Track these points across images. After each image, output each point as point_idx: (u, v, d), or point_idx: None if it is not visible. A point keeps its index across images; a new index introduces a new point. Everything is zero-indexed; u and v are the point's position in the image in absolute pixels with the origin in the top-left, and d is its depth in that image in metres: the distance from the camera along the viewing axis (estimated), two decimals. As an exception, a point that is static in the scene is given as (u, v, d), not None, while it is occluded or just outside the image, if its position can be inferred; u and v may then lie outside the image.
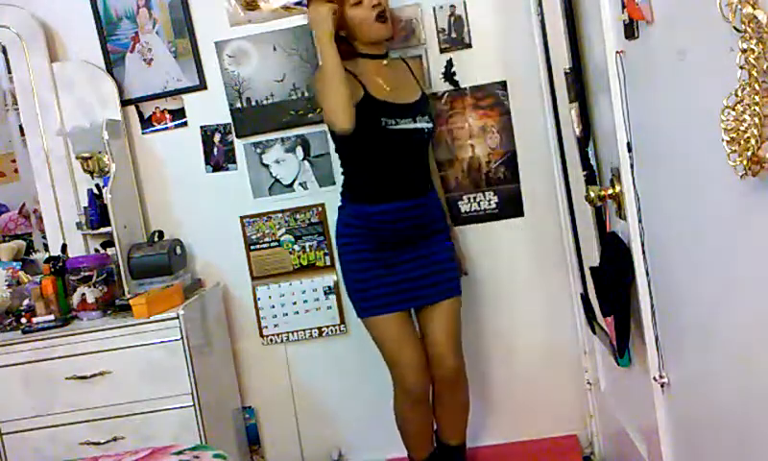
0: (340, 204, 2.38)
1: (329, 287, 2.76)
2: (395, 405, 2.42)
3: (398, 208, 2.25)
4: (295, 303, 2.78)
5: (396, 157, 2.26)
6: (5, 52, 2.73)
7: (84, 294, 2.51)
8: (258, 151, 2.73)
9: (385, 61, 2.33)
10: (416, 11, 2.59)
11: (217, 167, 2.77)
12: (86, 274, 2.53)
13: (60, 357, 2.41)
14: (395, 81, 2.31)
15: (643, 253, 1.59)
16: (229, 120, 2.73)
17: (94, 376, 2.40)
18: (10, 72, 2.75)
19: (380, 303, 2.29)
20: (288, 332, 2.80)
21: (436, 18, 2.60)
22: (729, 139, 0.93)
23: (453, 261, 2.39)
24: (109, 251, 2.67)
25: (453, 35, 2.60)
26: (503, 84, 2.61)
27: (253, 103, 2.70)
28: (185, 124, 2.77)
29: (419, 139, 2.28)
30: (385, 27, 2.26)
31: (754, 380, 1.11)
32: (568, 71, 2.00)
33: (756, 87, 0.88)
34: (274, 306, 2.79)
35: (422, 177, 2.34)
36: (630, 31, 1.42)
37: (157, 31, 2.72)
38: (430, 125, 2.30)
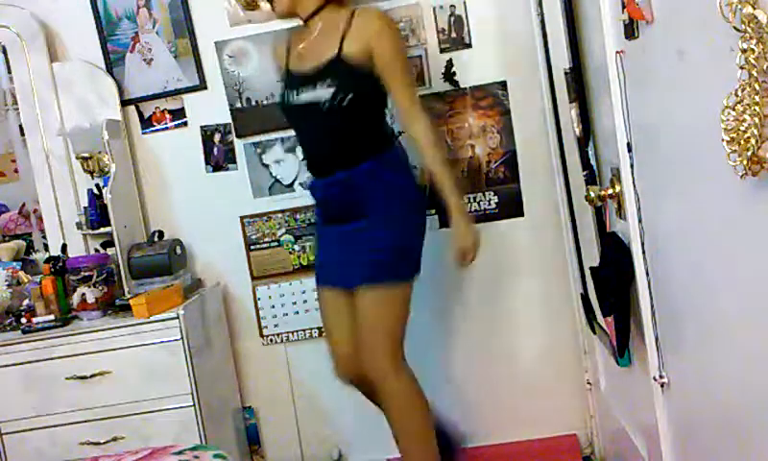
0: None
1: (329, 287, 2.75)
2: None
3: (322, 186, 2.13)
4: (295, 303, 2.78)
5: (302, 132, 2.14)
6: (5, 52, 2.73)
7: (84, 294, 2.51)
8: (258, 151, 2.73)
9: (318, 23, 2.08)
10: (416, 10, 2.59)
11: (217, 167, 2.77)
12: (86, 274, 2.53)
13: (59, 357, 2.41)
14: (311, 43, 2.08)
15: (643, 253, 1.59)
16: (229, 120, 2.73)
17: (94, 376, 2.40)
18: (10, 72, 2.75)
19: (318, 274, 2.26)
20: (288, 332, 2.80)
21: (436, 18, 2.60)
22: (729, 139, 0.93)
23: (373, 248, 2.07)
24: (109, 251, 2.67)
25: (453, 35, 2.60)
26: (503, 84, 2.61)
27: (253, 103, 2.70)
28: (185, 124, 2.77)
29: (317, 111, 2.00)
30: (276, 6, 2.09)
31: (754, 380, 1.11)
32: (568, 71, 2.00)
33: (756, 87, 0.88)
34: (274, 306, 2.79)
35: (336, 152, 2.06)
36: (630, 31, 1.42)
37: (157, 31, 2.72)
38: (328, 92, 1.97)
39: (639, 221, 1.58)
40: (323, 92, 1.98)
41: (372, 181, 2.06)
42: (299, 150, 2.71)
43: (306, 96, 2.01)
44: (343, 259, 2.13)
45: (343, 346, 2.22)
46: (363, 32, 2.02)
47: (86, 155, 2.68)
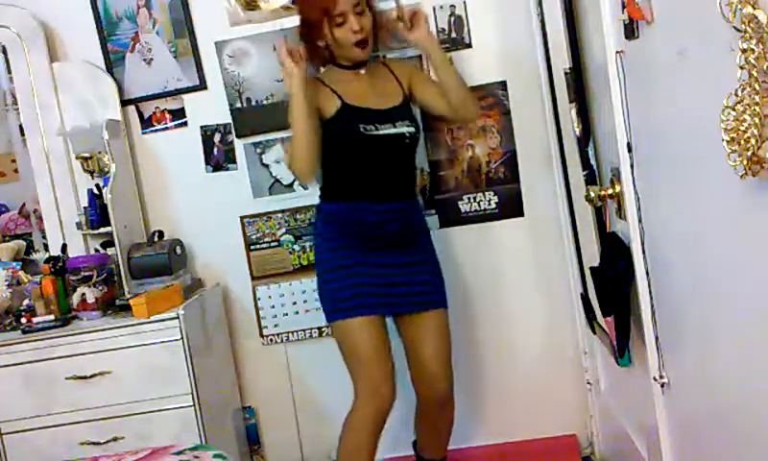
0: (319, 201, 2.32)
1: (329, 287, 2.75)
2: (350, 424, 2.17)
3: (380, 210, 2.19)
4: (295, 303, 2.78)
5: (377, 161, 2.21)
6: (5, 52, 2.73)
7: (84, 294, 2.51)
8: (258, 151, 2.73)
9: (363, 71, 2.27)
10: (416, 11, 2.59)
11: (217, 167, 2.77)
12: (86, 274, 2.53)
13: (60, 357, 2.41)
14: (373, 87, 2.26)
15: (643, 253, 1.59)
16: (229, 120, 2.73)
17: (94, 376, 2.40)
18: (10, 72, 2.75)
19: (354, 303, 2.16)
20: (288, 332, 2.80)
21: (436, 18, 2.59)
22: (729, 139, 0.93)
23: (439, 271, 2.32)
24: (109, 251, 2.67)
25: (453, 35, 2.60)
26: (503, 84, 2.61)
27: (253, 103, 2.70)
28: (185, 124, 2.77)
29: (400, 144, 2.22)
30: (363, 52, 2.21)
31: (754, 380, 1.11)
32: (568, 71, 2.00)
33: (756, 87, 0.88)
34: (274, 306, 2.79)
35: (406, 182, 2.29)
36: (630, 31, 1.42)
37: (157, 31, 2.72)
38: (412, 129, 2.23)
39: (639, 221, 1.58)
40: (405, 128, 2.21)
41: (420, 214, 2.39)
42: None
43: (389, 130, 2.19)
44: (407, 284, 2.22)
45: (391, 373, 2.19)
46: (405, 76, 2.32)
47: (86, 155, 2.68)
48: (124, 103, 2.75)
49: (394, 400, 2.19)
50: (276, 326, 2.80)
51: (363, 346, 2.17)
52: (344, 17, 2.13)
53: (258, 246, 2.78)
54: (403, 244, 2.24)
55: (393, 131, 2.19)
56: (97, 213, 2.65)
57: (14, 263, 2.79)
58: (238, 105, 2.71)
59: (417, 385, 2.31)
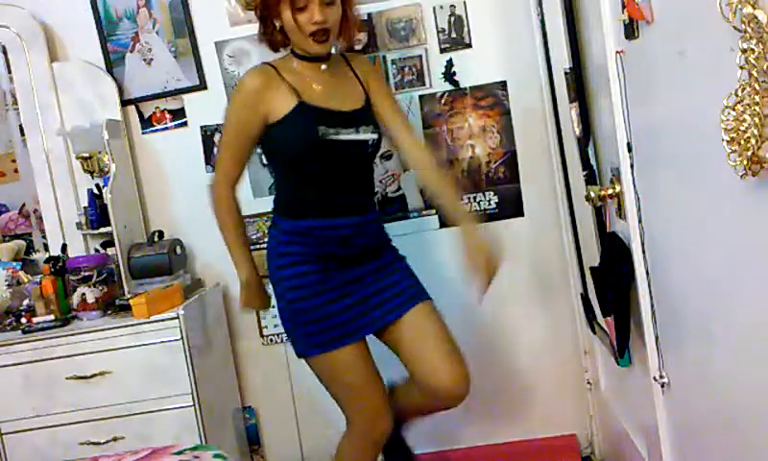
0: (273, 220, 2.10)
1: (329, 287, 2.74)
2: (347, 455, 2.12)
3: (343, 224, 1.97)
4: (295, 303, 2.77)
5: (337, 170, 1.98)
6: (5, 52, 2.73)
7: (84, 294, 2.51)
8: (258, 151, 2.73)
9: (323, 66, 2.01)
10: (416, 11, 2.59)
11: (217, 167, 2.77)
12: (86, 274, 2.53)
13: (60, 357, 2.41)
14: (334, 85, 2.02)
15: (643, 253, 1.59)
16: (229, 120, 2.73)
17: (94, 376, 2.40)
18: (10, 72, 2.75)
19: (333, 335, 1.94)
20: (288, 332, 2.80)
21: (436, 18, 2.60)
22: (729, 139, 0.93)
23: (410, 272, 2.10)
24: (109, 251, 2.67)
25: (453, 35, 2.60)
26: (503, 84, 2.61)
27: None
28: (185, 124, 2.77)
29: (362, 153, 2.01)
30: (321, 47, 1.94)
31: (754, 380, 1.11)
32: (568, 71, 2.00)
33: (756, 87, 0.88)
34: (274, 306, 2.78)
35: (366, 192, 2.07)
36: (630, 31, 1.42)
37: (157, 31, 2.72)
38: (375, 136, 2.01)
39: (639, 221, 1.58)
40: (368, 134, 2.00)
41: (381, 225, 2.14)
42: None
43: (351, 135, 1.96)
44: (380, 291, 2.00)
45: (384, 399, 2.04)
46: (366, 75, 2.10)
47: (86, 155, 2.68)
48: (124, 103, 2.75)
49: (389, 428, 2.06)
50: (276, 326, 2.80)
51: (349, 378, 2.00)
52: (306, 2, 1.88)
53: (258, 246, 2.78)
54: (371, 255, 2.03)
55: (355, 137, 1.97)
56: (97, 213, 2.65)
57: (14, 263, 2.79)
58: (238, 105, 2.71)
59: (425, 394, 2.02)
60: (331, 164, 1.97)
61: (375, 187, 2.17)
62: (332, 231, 1.96)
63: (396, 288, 2.02)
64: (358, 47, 2.59)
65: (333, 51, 2.09)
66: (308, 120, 1.93)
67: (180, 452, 1.79)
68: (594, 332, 2.28)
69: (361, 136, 1.98)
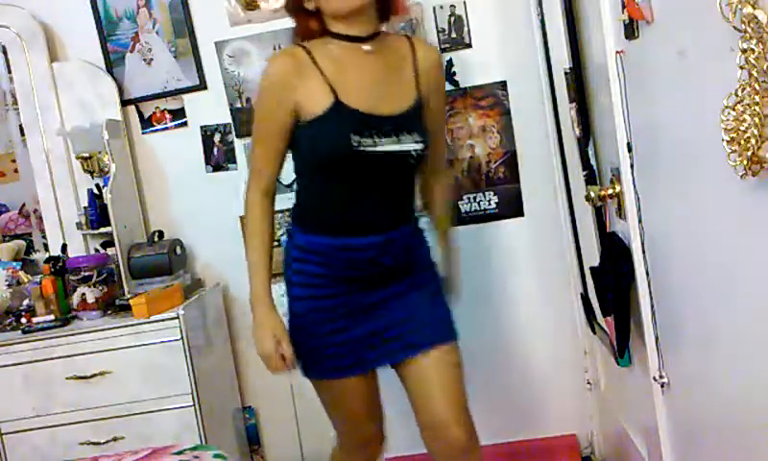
0: (289, 230, 1.86)
1: (329, 287, 2.73)
2: (337, 459, 2.06)
3: (366, 245, 1.69)
4: (295, 303, 2.77)
5: (370, 184, 1.68)
6: (5, 52, 2.73)
7: (84, 294, 2.51)
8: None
9: (367, 46, 1.67)
10: (416, 10, 2.59)
11: (217, 167, 2.77)
12: (86, 274, 2.53)
13: (59, 357, 2.41)
14: (380, 75, 1.68)
15: (643, 253, 1.59)
16: (229, 120, 2.73)
17: (94, 376, 2.40)
18: (10, 72, 2.75)
19: (340, 363, 1.74)
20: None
21: (436, 18, 2.60)
22: (729, 139, 0.93)
23: (441, 300, 1.82)
24: (109, 251, 2.67)
25: (453, 35, 2.60)
26: (503, 84, 2.61)
27: (253, 103, 2.70)
28: (185, 124, 2.77)
29: (402, 164, 1.69)
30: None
31: (754, 380, 1.11)
32: (568, 71, 2.00)
33: (756, 87, 0.88)
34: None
35: (405, 207, 1.78)
36: (630, 31, 1.42)
37: (157, 31, 2.72)
38: (420, 146, 1.67)
39: (639, 221, 1.58)
40: (411, 144, 1.67)
41: (421, 238, 1.85)
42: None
43: (391, 146, 1.64)
44: (403, 322, 1.75)
45: (377, 427, 1.90)
46: (429, 72, 1.76)
47: (86, 155, 2.68)
48: (124, 103, 2.75)
49: (383, 446, 1.96)
50: (275, 326, 2.79)
51: (347, 408, 1.83)
52: None
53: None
54: (400, 274, 1.75)
55: (395, 147, 1.65)
56: (97, 213, 2.65)
57: (14, 263, 2.79)
58: (238, 105, 2.71)
59: (425, 437, 1.82)
60: (364, 178, 1.68)
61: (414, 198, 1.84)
62: (353, 253, 1.70)
63: (420, 321, 1.76)
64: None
65: (383, 29, 1.74)
66: (342, 126, 1.62)
67: (179, 452, 1.79)
68: (594, 332, 2.28)
69: (403, 147, 1.66)
